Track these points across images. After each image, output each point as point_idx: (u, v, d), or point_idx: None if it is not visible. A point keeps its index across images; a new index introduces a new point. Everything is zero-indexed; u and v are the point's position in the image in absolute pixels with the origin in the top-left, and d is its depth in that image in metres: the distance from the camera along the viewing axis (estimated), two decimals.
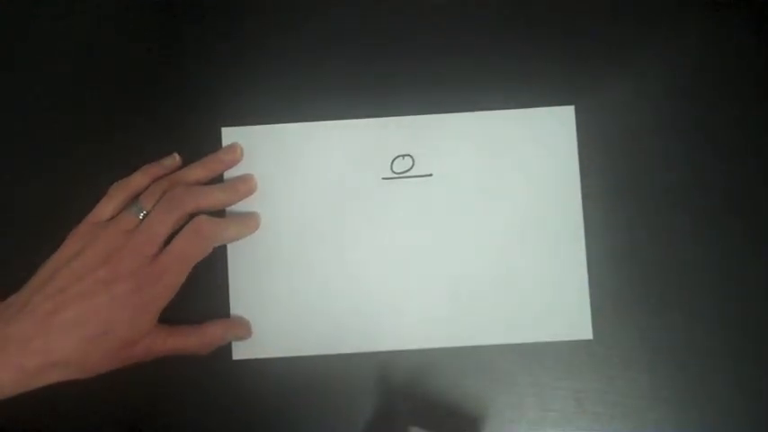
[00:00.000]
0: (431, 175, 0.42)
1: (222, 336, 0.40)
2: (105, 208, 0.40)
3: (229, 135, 0.42)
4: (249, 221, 0.41)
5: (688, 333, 0.41)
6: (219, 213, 0.41)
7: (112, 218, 0.39)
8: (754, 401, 0.40)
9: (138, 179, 0.40)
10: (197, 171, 0.41)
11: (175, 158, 0.41)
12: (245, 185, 0.41)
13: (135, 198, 0.40)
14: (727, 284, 0.41)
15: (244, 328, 0.40)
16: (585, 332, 0.41)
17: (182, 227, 0.38)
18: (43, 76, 0.43)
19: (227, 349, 0.41)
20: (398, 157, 0.42)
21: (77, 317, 0.36)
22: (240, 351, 0.41)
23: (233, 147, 0.42)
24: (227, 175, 0.42)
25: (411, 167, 0.42)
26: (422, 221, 0.41)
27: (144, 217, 0.38)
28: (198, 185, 0.40)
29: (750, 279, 0.41)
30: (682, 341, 0.41)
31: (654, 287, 0.41)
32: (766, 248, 0.41)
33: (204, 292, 0.41)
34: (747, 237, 0.41)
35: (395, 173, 0.42)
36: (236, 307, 0.41)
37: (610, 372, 0.41)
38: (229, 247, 0.41)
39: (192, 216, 0.39)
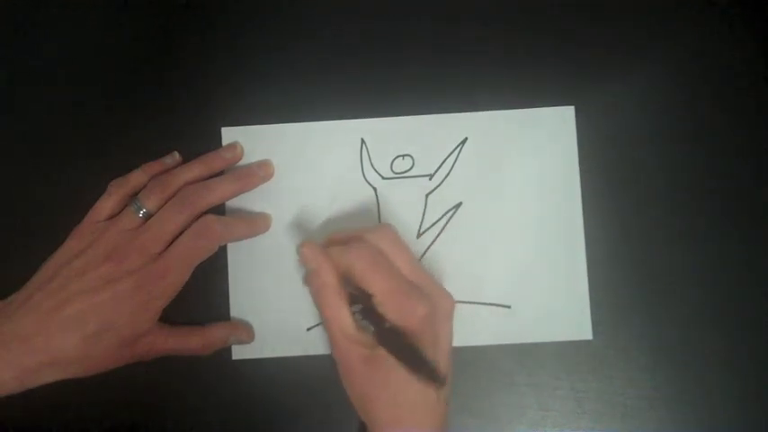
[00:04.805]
0: (431, 175, 0.42)
1: (224, 339, 0.40)
2: (104, 205, 0.40)
3: (229, 135, 0.42)
4: (258, 222, 0.41)
5: (688, 333, 0.41)
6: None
7: (112, 215, 0.39)
8: (754, 401, 0.40)
9: (137, 176, 0.40)
10: (197, 168, 0.40)
11: (175, 157, 0.41)
12: (264, 170, 0.41)
13: (134, 196, 0.40)
14: (728, 284, 0.41)
15: (246, 332, 0.40)
16: (585, 332, 0.41)
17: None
18: (43, 76, 0.43)
19: (226, 349, 0.41)
20: (398, 157, 0.42)
21: (78, 314, 0.35)
22: (240, 351, 0.41)
23: (233, 145, 0.42)
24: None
25: (411, 167, 0.42)
26: (421, 221, 0.41)
27: (144, 214, 0.38)
28: (210, 180, 0.40)
29: (750, 279, 0.41)
30: (682, 341, 0.41)
31: (653, 287, 0.41)
32: (766, 249, 0.41)
33: (204, 291, 0.41)
34: (747, 237, 0.41)
35: (395, 173, 0.42)
36: (236, 306, 0.41)
37: (610, 372, 0.41)
38: (229, 246, 0.41)
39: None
